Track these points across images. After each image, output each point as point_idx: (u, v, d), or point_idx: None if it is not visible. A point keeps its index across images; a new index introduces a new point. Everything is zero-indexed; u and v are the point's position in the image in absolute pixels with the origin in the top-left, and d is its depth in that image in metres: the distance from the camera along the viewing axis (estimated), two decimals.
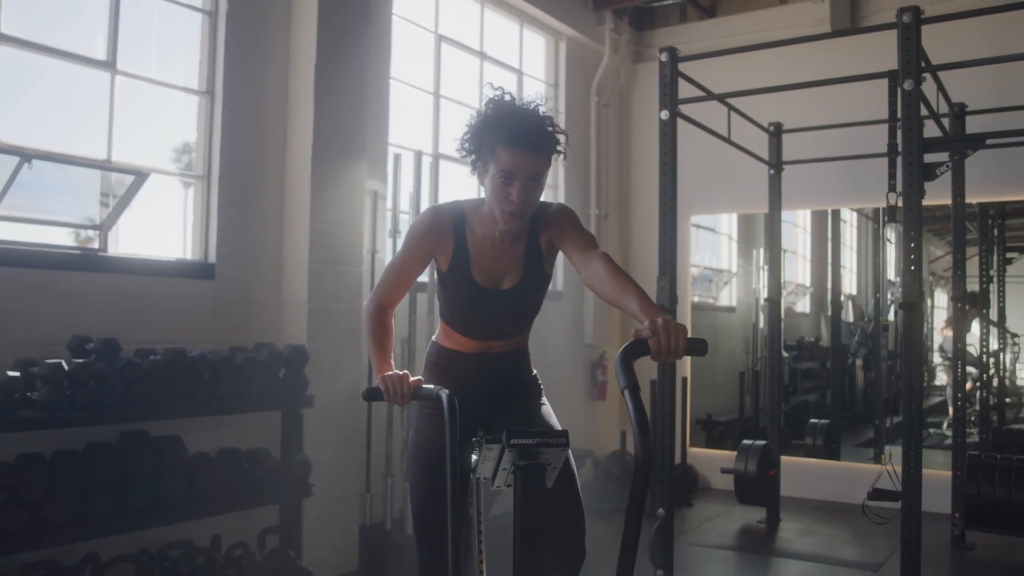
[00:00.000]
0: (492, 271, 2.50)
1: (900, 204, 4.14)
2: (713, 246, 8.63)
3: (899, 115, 4.20)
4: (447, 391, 2.17)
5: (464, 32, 6.65)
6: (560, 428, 2.54)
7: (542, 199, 2.46)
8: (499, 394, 2.64)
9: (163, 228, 4.57)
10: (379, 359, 2.48)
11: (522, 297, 2.55)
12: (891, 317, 7.14)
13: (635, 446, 1.74)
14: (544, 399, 2.73)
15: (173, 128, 4.58)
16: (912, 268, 4.08)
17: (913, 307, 4.06)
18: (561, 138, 2.40)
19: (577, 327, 7.57)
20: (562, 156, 2.43)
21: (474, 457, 2.13)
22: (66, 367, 3.41)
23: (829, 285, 8.21)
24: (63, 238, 4.05)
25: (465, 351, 2.61)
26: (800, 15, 7.36)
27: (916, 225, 4.08)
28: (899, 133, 4.22)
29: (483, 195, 2.47)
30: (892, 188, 4.62)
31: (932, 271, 7.74)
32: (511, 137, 2.28)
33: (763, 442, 6.41)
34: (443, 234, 2.47)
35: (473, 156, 2.43)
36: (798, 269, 8.47)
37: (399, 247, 2.61)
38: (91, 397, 3.49)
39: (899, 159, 4.23)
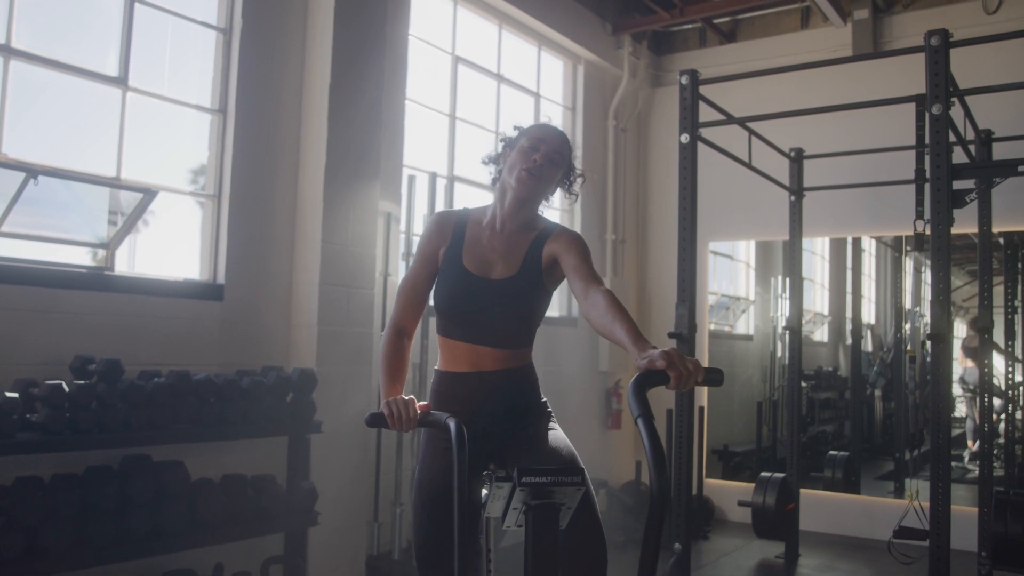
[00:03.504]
0: (483, 258, 2.51)
1: (928, 232, 4.02)
2: (730, 273, 8.50)
3: (926, 140, 4.09)
4: (455, 420, 2.05)
5: (481, 54, 6.59)
6: (573, 453, 2.44)
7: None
8: (506, 420, 2.51)
9: (181, 248, 4.50)
10: (387, 384, 2.40)
11: (514, 293, 2.48)
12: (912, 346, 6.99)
13: (651, 479, 1.62)
14: (554, 423, 2.59)
15: (184, 147, 4.52)
16: (940, 298, 3.95)
17: (941, 338, 3.93)
18: (572, 156, 2.63)
19: (592, 354, 7.44)
20: (579, 180, 2.67)
21: (484, 492, 2.01)
22: (66, 389, 3.32)
23: (849, 314, 8.06)
24: (69, 256, 3.96)
25: (465, 370, 2.50)
26: (821, 40, 7.28)
27: (944, 254, 3.96)
28: (927, 159, 4.11)
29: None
30: (920, 215, 4.48)
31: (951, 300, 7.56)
32: (537, 129, 2.56)
33: (782, 474, 6.24)
34: (446, 229, 2.56)
35: (499, 165, 2.61)
36: (816, 297, 8.33)
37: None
38: (92, 420, 3.39)
39: (926, 185, 4.12)
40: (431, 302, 2.60)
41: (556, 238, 2.50)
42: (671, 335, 4.53)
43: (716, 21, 7.81)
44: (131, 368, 3.71)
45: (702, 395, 7.27)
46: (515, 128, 2.62)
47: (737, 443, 7.89)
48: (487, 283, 2.48)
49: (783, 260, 7.56)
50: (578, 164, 2.70)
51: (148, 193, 3.91)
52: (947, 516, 3.88)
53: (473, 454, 2.07)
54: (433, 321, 5.11)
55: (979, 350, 5.79)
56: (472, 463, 2.05)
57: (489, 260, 2.51)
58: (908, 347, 7.38)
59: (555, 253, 2.47)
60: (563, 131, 2.60)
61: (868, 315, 8.15)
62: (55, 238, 3.86)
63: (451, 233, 2.54)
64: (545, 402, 2.62)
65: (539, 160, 2.45)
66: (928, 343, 4.01)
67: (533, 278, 2.50)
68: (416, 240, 5.21)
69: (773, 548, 6.24)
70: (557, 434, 2.53)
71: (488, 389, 2.49)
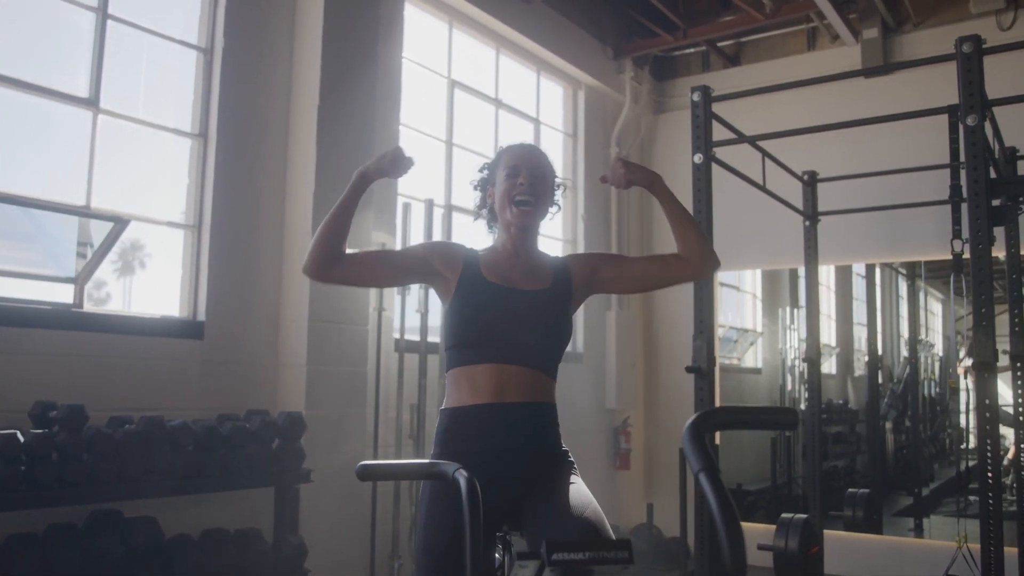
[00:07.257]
0: (506, 275, 2.39)
1: (966, 253, 3.74)
2: (737, 305, 8.22)
3: (960, 155, 3.82)
4: (466, 475, 1.71)
5: (479, 78, 6.35)
6: (600, 515, 2.14)
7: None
8: (527, 464, 2.21)
9: (169, 286, 4.23)
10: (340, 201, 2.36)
11: (546, 303, 2.36)
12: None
13: (722, 551, 1.27)
14: (576, 475, 2.30)
15: (162, 174, 4.24)
16: (983, 323, 3.64)
17: (988, 366, 3.61)
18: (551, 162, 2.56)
19: (598, 391, 7.12)
20: (561, 188, 2.59)
21: (497, 556, 1.66)
22: (22, 438, 3.00)
23: (864, 345, 7.76)
24: (38, 292, 3.64)
25: (485, 401, 2.22)
26: (829, 62, 7.03)
27: (987, 275, 3.65)
28: (962, 174, 3.83)
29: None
30: (957, 235, 4.19)
31: (958, 329, 7.28)
32: (512, 147, 2.52)
33: (804, 515, 5.87)
34: (455, 254, 2.42)
35: (484, 194, 2.54)
36: (822, 328, 8.03)
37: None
38: (51, 473, 3.08)
39: (963, 204, 3.84)
40: (445, 340, 2.35)
41: (578, 260, 2.51)
42: (689, 369, 4.22)
43: (720, 44, 7.59)
44: (100, 414, 3.41)
45: (715, 433, 6.93)
46: (482, 169, 2.59)
47: (749, 481, 7.57)
48: (516, 292, 2.34)
49: (790, 290, 7.23)
50: (580, 187, 2.51)
51: (119, 222, 3.60)
52: (1000, 561, 3.56)
53: (487, 509, 1.73)
54: (431, 360, 4.81)
55: (1013, 378, 5.47)
56: (485, 521, 1.71)
57: (513, 276, 2.39)
58: (949, 377, 7.09)
59: (592, 269, 2.46)
60: (533, 144, 2.61)
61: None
62: (15, 272, 3.54)
63: (461, 259, 2.40)
64: (567, 451, 2.33)
65: (524, 183, 2.41)
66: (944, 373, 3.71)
67: (564, 296, 2.40)
68: None
69: None
70: (580, 489, 2.23)
71: (510, 423, 2.21)
